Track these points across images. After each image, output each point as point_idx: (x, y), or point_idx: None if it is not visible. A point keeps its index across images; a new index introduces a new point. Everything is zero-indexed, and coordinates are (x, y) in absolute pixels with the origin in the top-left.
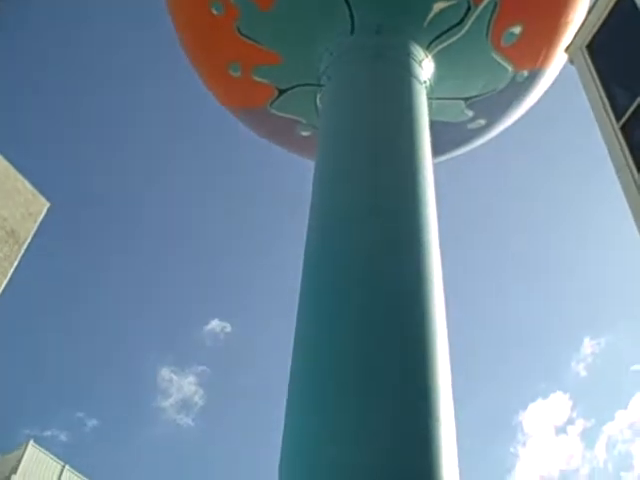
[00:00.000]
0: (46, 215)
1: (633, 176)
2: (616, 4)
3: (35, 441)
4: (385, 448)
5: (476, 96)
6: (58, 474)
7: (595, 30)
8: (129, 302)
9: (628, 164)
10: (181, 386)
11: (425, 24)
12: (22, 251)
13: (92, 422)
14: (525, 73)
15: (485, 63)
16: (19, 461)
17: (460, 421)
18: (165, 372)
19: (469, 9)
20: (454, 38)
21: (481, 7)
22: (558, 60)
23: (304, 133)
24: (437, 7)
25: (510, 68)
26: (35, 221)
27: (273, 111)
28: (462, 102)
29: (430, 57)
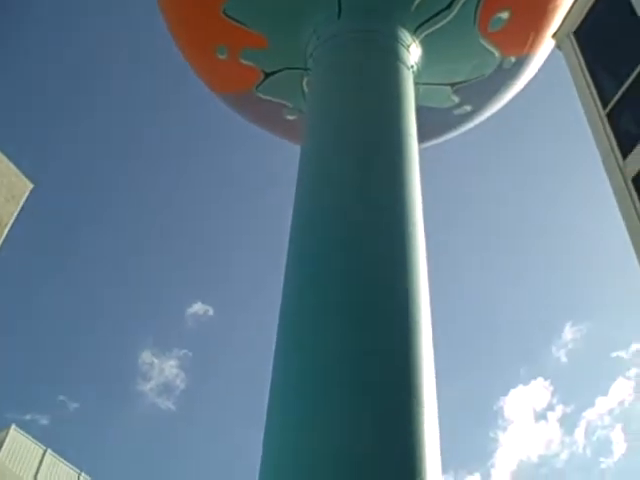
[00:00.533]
0: (29, 196)
1: (618, 162)
2: None
3: (17, 425)
4: (368, 432)
5: (463, 82)
6: (40, 458)
7: (583, 16)
8: (111, 284)
9: (613, 150)
10: (162, 369)
11: (412, 8)
12: (4, 234)
13: (73, 405)
14: (512, 59)
15: (472, 49)
16: (1, 445)
17: (441, 406)
18: (146, 355)
19: None
20: (441, 23)
21: None
22: (545, 46)
23: (290, 117)
24: None
25: (497, 54)
26: (18, 203)
27: (259, 95)
28: (449, 88)
29: (417, 42)
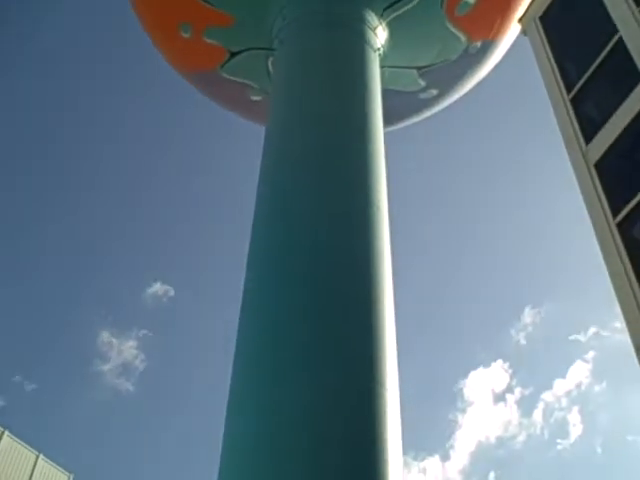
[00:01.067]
0: None
1: (581, 147)
2: None
3: None
4: (330, 412)
5: (429, 66)
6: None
7: (548, 1)
8: (69, 263)
9: (577, 136)
10: (121, 350)
11: None
12: None
13: (31, 386)
14: (478, 44)
15: (439, 33)
16: None
17: (401, 387)
18: (105, 335)
19: None
20: (408, 6)
21: None
22: (511, 31)
23: (255, 97)
24: None
25: (463, 38)
26: None
27: (224, 75)
28: (415, 71)
29: (384, 25)
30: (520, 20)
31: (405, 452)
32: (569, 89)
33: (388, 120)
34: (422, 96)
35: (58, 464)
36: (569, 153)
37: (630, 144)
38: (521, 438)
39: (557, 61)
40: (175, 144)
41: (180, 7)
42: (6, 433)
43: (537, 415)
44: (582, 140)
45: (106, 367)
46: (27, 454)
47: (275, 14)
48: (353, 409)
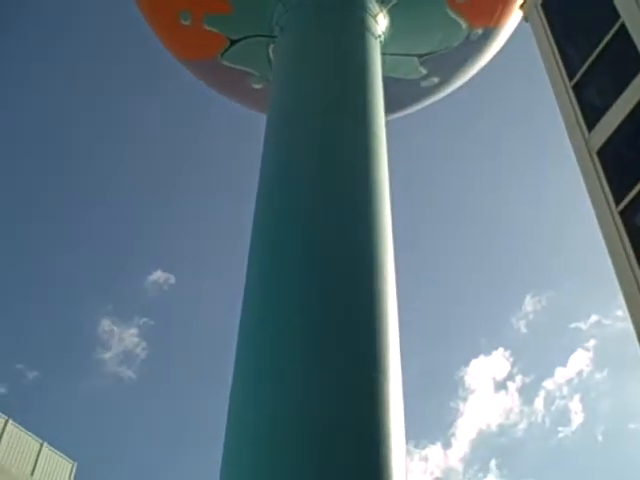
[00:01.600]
0: None
1: (583, 134)
2: None
3: None
4: (333, 402)
5: (430, 53)
6: (1, 429)
7: None
8: (70, 251)
9: (579, 123)
10: (122, 338)
11: None
12: None
13: (32, 374)
14: (480, 31)
15: (440, 19)
16: None
17: (403, 375)
18: (106, 323)
19: None
20: None
21: None
22: (513, 18)
23: (256, 86)
24: None
25: (465, 25)
26: None
27: (224, 62)
28: (416, 59)
29: (385, 11)
30: (521, 6)
31: (407, 440)
32: (571, 76)
33: (389, 108)
34: (423, 84)
35: (60, 452)
36: (571, 140)
37: (633, 131)
38: (522, 426)
39: (559, 48)
40: (175, 131)
41: None
42: (10, 421)
43: (538, 403)
44: (584, 127)
45: (107, 355)
46: (31, 442)
47: (275, 1)
48: (355, 398)
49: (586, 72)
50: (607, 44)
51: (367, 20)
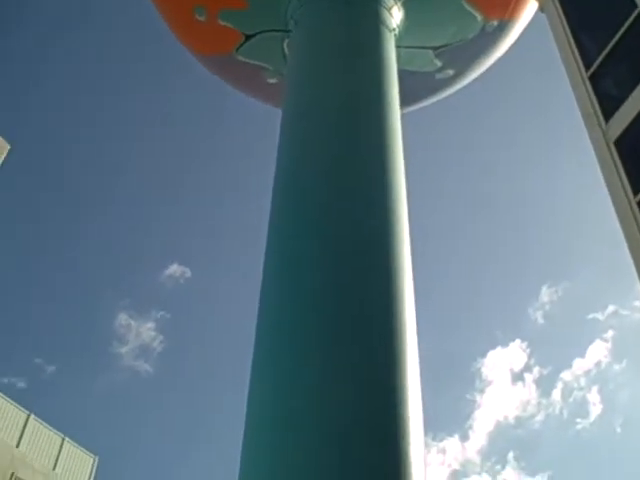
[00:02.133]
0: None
1: (600, 125)
2: None
3: None
4: (350, 396)
5: (445, 45)
6: (23, 424)
7: None
8: (87, 245)
9: (596, 113)
10: (139, 332)
11: None
12: None
13: (51, 368)
14: (495, 22)
15: (455, 12)
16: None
17: (420, 368)
18: (123, 317)
19: None
20: None
21: None
22: (528, 9)
23: (271, 80)
24: None
25: (480, 17)
26: None
27: (239, 57)
28: (431, 51)
29: (400, 4)
30: None
31: (424, 433)
32: (588, 66)
33: (404, 101)
34: (438, 76)
35: (80, 445)
36: (588, 131)
37: None
38: (540, 418)
39: (575, 38)
40: (191, 126)
41: None
42: (32, 416)
43: (556, 395)
44: (601, 118)
45: (124, 349)
46: (53, 437)
47: None
48: (373, 394)
49: (603, 62)
50: (624, 34)
51: (382, 13)
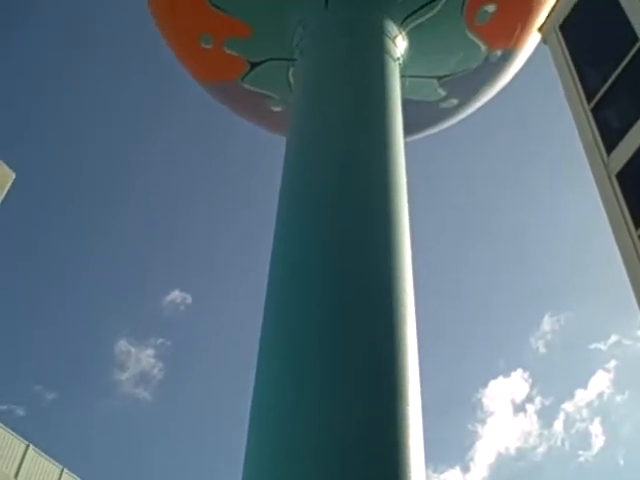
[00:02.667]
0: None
1: (602, 157)
2: None
3: None
4: (351, 425)
5: (449, 75)
6: (22, 455)
7: (568, 10)
8: (87, 271)
9: (598, 145)
10: (139, 359)
11: (399, 0)
12: None
13: (50, 396)
14: (498, 53)
15: (459, 41)
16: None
17: (421, 399)
18: (123, 344)
19: None
20: (428, 15)
21: None
22: (531, 40)
23: (275, 108)
24: None
25: (484, 47)
26: (1, 192)
27: (245, 85)
28: (435, 81)
29: (404, 34)
30: (540, 29)
31: (425, 465)
32: (590, 98)
33: (409, 130)
34: (442, 106)
35: (78, 474)
36: (590, 163)
37: None
38: (542, 449)
39: (577, 70)
40: (194, 153)
41: (201, 17)
42: (31, 447)
43: (558, 426)
44: (603, 150)
45: (124, 376)
46: (52, 468)
47: (295, 24)
48: (374, 423)
49: (605, 94)
50: (626, 66)
51: (386, 43)
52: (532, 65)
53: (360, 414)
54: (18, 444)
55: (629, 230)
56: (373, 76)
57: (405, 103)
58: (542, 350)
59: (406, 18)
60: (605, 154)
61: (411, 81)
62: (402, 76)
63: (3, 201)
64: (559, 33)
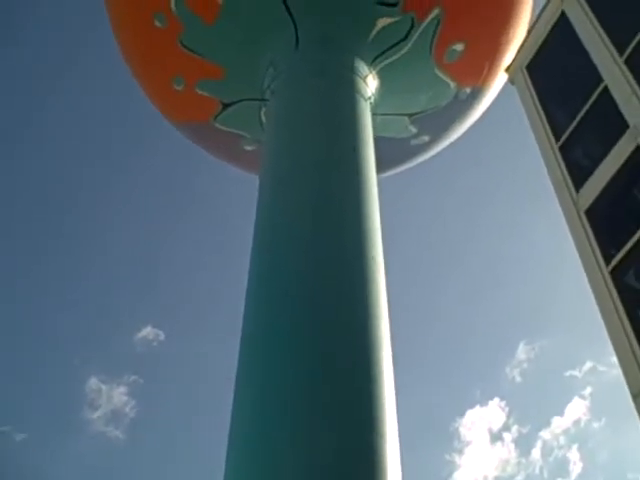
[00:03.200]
0: None
1: (571, 194)
2: (554, 26)
3: None
4: (328, 460)
5: (420, 112)
6: None
7: (534, 51)
8: (55, 307)
9: (566, 183)
10: (111, 397)
11: (369, 40)
12: None
13: (20, 436)
14: (467, 90)
15: (428, 80)
16: None
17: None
18: (93, 382)
19: (412, 26)
20: (398, 54)
21: (424, 24)
22: (500, 78)
23: (248, 147)
24: (381, 23)
25: (453, 85)
26: None
27: (217, 125)
28: (406, 118)
29: (374, 73)
30: (507, 69)
31: None
32: (557, 137)
33: (381, 167)
34: (414, 142)
35: None
36: (559, 200)
37: (620, 191)
38: (520, 478)
39: (544, 109)
40: (166, 191)
41: (172, 60)
42: None
43: (536, 453)
44: (572, 187)
45: (95, 415)
46: None
47: (266, 65)
48: (350, 458)
49: (572, 133)
50: (591, 106)
51: (357, 82)
52: (501, 101)
53: (335, 446)
54: None
55: (599, 266)
56: (344, 115)
57: (377, 140)
58: (518, 379)
59: (376, 58)
60: (574, 191)
61: (382, 119)
62: (373, 114)
63: None
64: (526, 73)
